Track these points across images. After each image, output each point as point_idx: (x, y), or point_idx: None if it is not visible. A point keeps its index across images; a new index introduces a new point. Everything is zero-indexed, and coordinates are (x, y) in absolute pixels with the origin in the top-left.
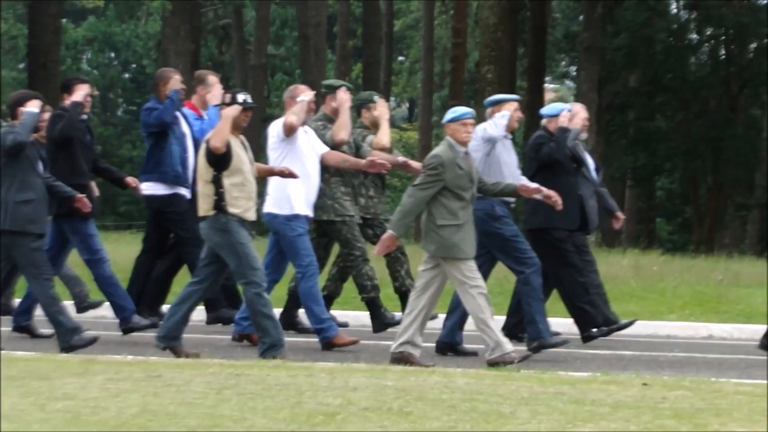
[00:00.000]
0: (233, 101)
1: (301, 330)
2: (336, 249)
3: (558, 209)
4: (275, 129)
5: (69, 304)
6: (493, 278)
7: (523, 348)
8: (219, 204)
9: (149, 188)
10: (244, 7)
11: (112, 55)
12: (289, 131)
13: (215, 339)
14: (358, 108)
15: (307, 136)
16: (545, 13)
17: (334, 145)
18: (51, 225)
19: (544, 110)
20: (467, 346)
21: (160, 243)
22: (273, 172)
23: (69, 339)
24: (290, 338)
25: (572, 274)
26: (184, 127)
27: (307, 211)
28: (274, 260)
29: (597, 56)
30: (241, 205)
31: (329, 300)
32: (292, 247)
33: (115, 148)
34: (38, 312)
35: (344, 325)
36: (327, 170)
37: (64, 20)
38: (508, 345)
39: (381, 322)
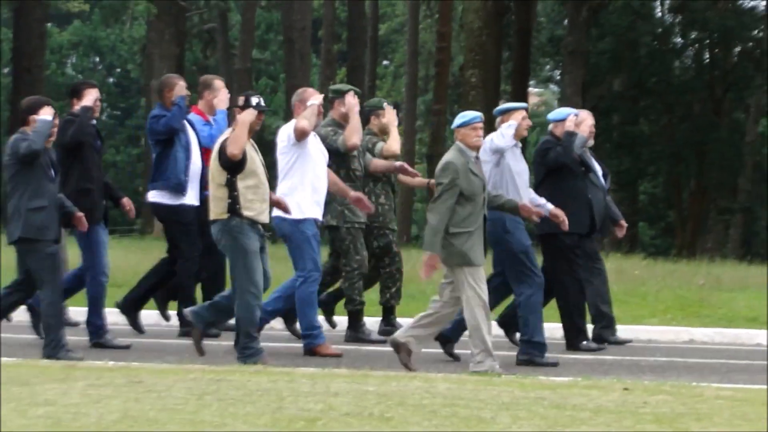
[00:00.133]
0: (247, 104)
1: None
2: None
3: (564, 229)
4: (285, 133)
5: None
6: None
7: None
8: (233, 207)
9: (154, 196)
10: (229, 11)
11: (97, 59)
12: (301, 136)
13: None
14: (366, 115)
15: (316, 140)
16: (530, 16)
17: (347, 150)
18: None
19: (550, 115)
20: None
21: None
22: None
23: (56, 353)
24: (271, 344)
25: (577, 289)
26: (190, 135)
27: (317, 214)
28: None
29: (581, 60)
30: (256, 207)
31: (392, 308)
32: (299, 249)
33: None
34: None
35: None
36: (338, 175)
37: (49, 24)
38: (495, 364)
39: (356, 336)
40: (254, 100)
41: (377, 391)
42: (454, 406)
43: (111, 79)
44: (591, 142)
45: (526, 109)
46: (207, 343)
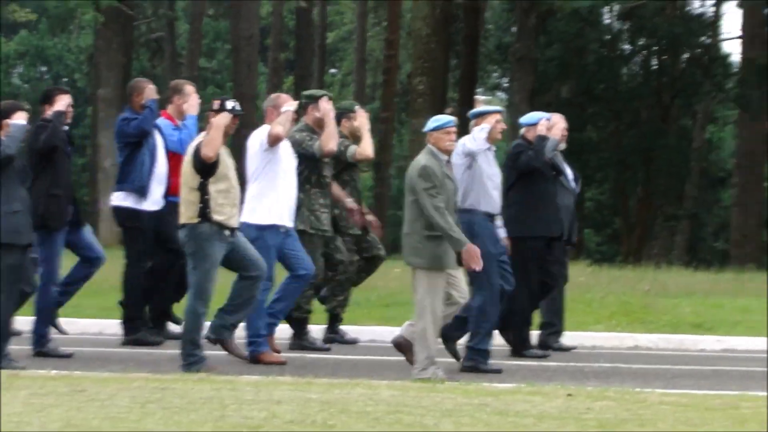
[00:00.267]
0: (222, 108)
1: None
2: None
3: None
4: (257, 138)
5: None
6: None
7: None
8: (204, 211)
9: (116, 198)
10: (176, 20)
11: (44, 68)
12: (275, 141)
13: (139, 353)
14: (338, 118)
15: (286, 146)
16: (478, 24)
17: (323, 156)
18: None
19: (523, 119)
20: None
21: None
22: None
23: None
24: (214, 352)
25: (526, 297)
26: (157, 139)
27: (285, 221)
28: (284, 261)
29: (529, 67)
30: (226, 212)
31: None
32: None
33: None
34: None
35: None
36: (308, 181)
37: None
38: (439, 371)
39: (301, 344)
40: (229, 104)
41: (320, 399)
42: (397, 413)
43: None
44: (563, 146)
45: (500, 112)
46: (149, 351)
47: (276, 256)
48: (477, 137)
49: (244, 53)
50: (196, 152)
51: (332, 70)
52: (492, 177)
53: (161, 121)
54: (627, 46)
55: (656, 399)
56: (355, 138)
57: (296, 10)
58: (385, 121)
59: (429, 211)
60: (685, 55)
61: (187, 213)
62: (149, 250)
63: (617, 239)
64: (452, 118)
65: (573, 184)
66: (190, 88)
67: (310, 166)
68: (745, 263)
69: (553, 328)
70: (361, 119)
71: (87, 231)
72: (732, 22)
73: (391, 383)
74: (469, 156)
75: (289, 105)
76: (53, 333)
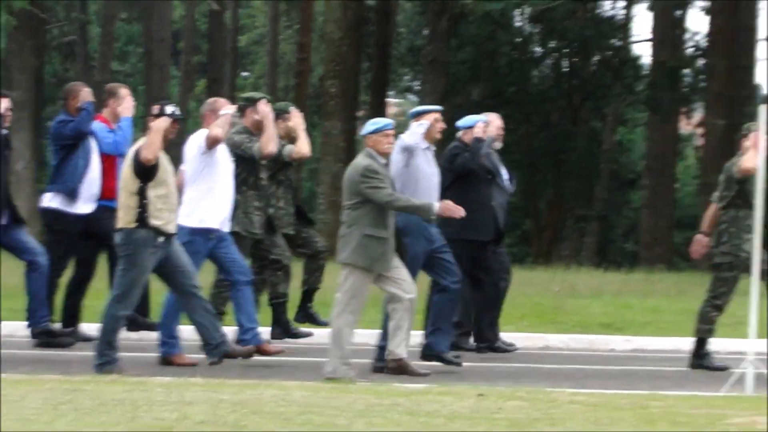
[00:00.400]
0: (162, 113)
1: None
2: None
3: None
4: (196, 142)
5: None
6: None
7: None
8: (142, 216)
9: (45, 199)
10: (89, 24)
11: None
12: (213, 144)
13: (51, 355)
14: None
15: (224, 150)
16: (390, 27)
17: (262, 157)
18: None
19: (460, 122)
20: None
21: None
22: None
23: None
24: (125, 354)
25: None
26: (91, 143)
27: (220, 225)
28: (221, 267)
29: (441, 70)
30: (164, 217)
31: (310, 293)
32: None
33: None
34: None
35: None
36: (245, 183)
37: None
38: (350, 371)
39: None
40: (169, 109)
41: (232, 400)
42: (309, 413)
43: None
44: (498, 144)
45: (439, 111)
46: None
47: (203, 261)
48: (415, 132)
49: (157, 56)
50: (136, 156)
51: (244, 73)
52: (430, 177)
53: (96, 124)
54: (538, 49)
55: (566, 398)
56: (290, 138)
57: (209, 13)
58: None
59: (384, 200)
60: (596, 58)
61: (125, 217)
62: (72, 253)
63: (528, 241)
64: (390, 121)
65: (508, 183)
66: (124, 91)
67: (247, 168)
68: (655, 264)
69: (462, 328)
70: (296, 119)
71: (23, 232)
72: (642, 25)
73: (303, 384)
74: (406, 151)
75: (228, 108)
76: None
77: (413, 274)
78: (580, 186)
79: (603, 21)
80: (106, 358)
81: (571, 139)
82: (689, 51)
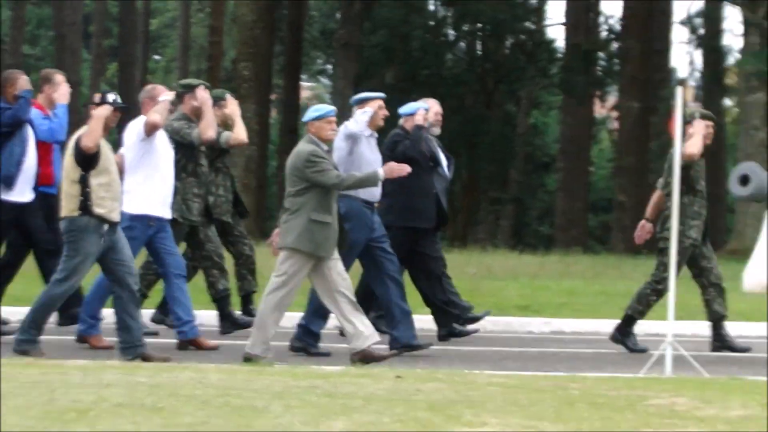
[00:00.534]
0: (103, 101)
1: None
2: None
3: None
4: (134, 129)
5: None
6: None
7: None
8: (84, 204)
9: None
10: None
11: None
12: (152, 130)
13: None
14: None
15: (163, 137)
16: (302, 10)
17: (201, 143)
18: None
19: (401, 109)
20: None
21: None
22: None
23: None
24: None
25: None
26: (28, 129)
27: (161, 211)
28: (156, 257)
29: (354, 53)
30: (107, 205)
31: (248, 296)
32: None
33: None
34: None
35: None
36: (185, 170)
37: None
38: (269, 352)
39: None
40: (110, 97)
41: (149, 382)
42: (226, 396)
43: None
44: (437, 131)
45: (383, 98)
46: None
47: (141, 248)
48: (359, 120)
49: (68, 40)
50: (77, 144)
51: (156, 57)
52: (373, 164)
53: (32, 111)
54: (451, 32)
55: (485, 380)
56: (227, 125)
57: None
58: None
59: (332, 182)
60: (510, 41)
61: (68, 206)
62: (3, 239)
63: None
64: (333, 108)
65: (446, 169)
66: (60, 78)
67: (187, 154)
68: (570, 247)
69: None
70: (233, 106)
71: None
72: (556, 8)
73: (220, 367)
74: (350, 139)
75: (166, 95)
76: None
77: (351, 260)
78: (495, 169)
79: (517, 4)
80: (29, 337)
81: (485, 123)
82: (603, 34)
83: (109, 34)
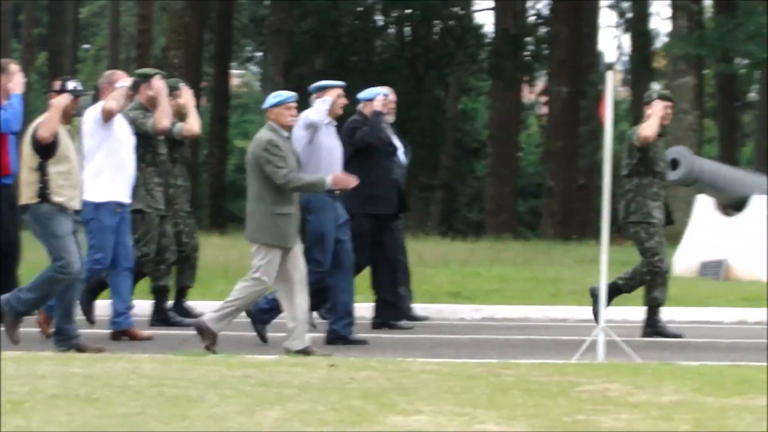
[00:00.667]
0: (63, 89)
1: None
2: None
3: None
4: (92, 115)
5: None
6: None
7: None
8: (43, 192)
9: None
10: None
11: None
12: (108, 116)
13: None
14: None
15: (123, 123)
16: None
17: (156, 133)
18: None
19: (360, 95)
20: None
21: None
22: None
23: None
24: None
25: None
26: None
27: (122, 197)
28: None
29: (284, 40)
30: (66, 193)
31: (183, 291)
32: (92, 235)
33: None
34: None
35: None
36: (143, 160)
37: None
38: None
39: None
40: (70, 85)
41: (83, 373)
42: (160, 386)
43: None
44: (390, 118)
45: (342, 87)
46: None
47: (112, 236)
48: (319, 109)
49: None
50: (34, 133)
51: (85, 45)
52: (333, 151)
53: None
54: (380, 18)
55: (418, 368)
56: (180, 116)
57: None
58: None
59: (281, 181)
60: (439, 26)
61: (27, 193)
62: None
63: None
64: (293, 94)
65: (403, 157)
66: (14, 67)
67: (144, 144)
68: (500, 233)
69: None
70: (186, 96)
71: None
72: None
73: (154, 357)
74: (310, 128)
75: (124, 81)
76: None
77: (325, 252)
78: (425, 155)
79: None
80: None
81: (415, 108)
82: (532, 19)
83: (38, 23)
